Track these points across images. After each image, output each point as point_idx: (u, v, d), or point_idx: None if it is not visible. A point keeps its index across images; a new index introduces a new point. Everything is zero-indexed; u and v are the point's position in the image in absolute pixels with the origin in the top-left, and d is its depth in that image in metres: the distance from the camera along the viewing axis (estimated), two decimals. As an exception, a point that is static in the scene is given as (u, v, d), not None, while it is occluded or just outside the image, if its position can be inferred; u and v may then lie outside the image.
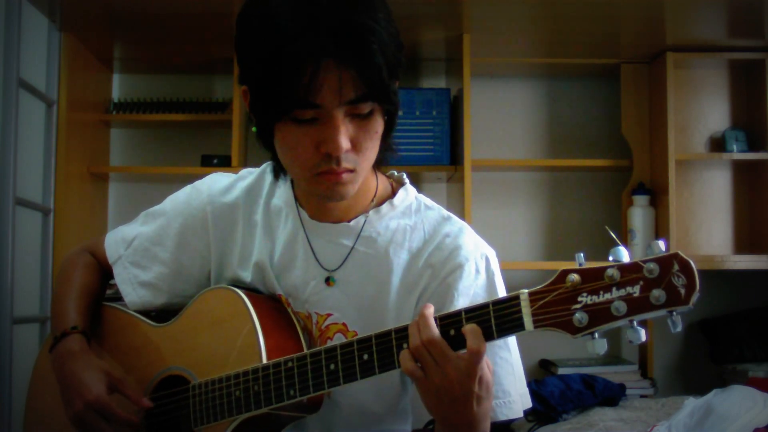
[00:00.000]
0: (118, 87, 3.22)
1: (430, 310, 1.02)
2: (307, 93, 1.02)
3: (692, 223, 3.02)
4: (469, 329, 0.99)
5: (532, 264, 3.14)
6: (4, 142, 2.34)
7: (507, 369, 1.20)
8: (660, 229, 2.93)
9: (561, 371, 2.80)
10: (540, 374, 2.94)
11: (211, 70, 3.14)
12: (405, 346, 1.04)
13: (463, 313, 1.01)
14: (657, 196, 2.97)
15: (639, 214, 2.96)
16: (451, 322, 1.02)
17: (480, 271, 1.21)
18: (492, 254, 1.24)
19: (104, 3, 2.55)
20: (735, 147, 2.95)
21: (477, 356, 0.99)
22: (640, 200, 2.97)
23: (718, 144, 3.02)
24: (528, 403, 1.23)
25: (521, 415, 1.20)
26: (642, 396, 2.78)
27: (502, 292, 1.22)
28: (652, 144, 3.03)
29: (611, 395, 2.63)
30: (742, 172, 3.06)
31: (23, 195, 2.49)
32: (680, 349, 3.12)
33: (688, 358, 3.10)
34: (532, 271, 3.13)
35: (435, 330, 1.00)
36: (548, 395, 2.51)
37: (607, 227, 1.05)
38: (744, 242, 3.03)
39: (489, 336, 1.00)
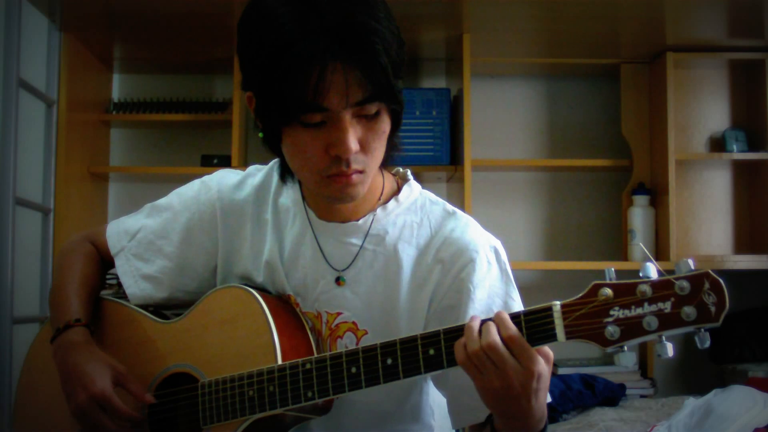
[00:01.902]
0: (118, 87, 3.22)
1: (505, 314, 1.01)
2: (315, 97, 1.02)
3: (692, 223, 3.02)
4: (508, 337, 1.00)
5: (532, 264, 3.14)
6: (4, 142, 2.34)
7: None
8: (660, 229, 2.93)
9: (561, 371, 2.80)
10: (540, 374, 2.94)
11: (211, 70, 3.14)
12: (431, 352, 1.05)
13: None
14: (657, 196, 2.96)
15: (639, 214, 2.95)
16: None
17: (492, 263, 1.21)
18: (499, 245, 1.24)
19: (104, 3, 2.55)
20: (735, 147, 2.95)
21: (528, 355, 0.99)
22: (640, 200, 2.97)
23: (718, 144, 3.02)
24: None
25: (550, 399, 1.21)
26: (642, 396, 2.78)
27: (514, 282, 1.23)
28: (652, 144, 3.03)
29: (611, 395, 2.63)
30: (742, 172, 3.06)
31: (23, 195, 2.49)
32: (680, 349, 3.08)
33: (688, 358, 3.10)
34: (532, 271, 3.13)
35: (496, 336, 1.00)
36: (548, 395, 2.51)
37: (641, 244, 1.07)
38: (744, 242, 3.03)
39: None
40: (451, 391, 1.21)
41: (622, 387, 2.70)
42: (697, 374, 3.07)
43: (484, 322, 1.02)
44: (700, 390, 2.46)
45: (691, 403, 2.27)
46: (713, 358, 2.97)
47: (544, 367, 1.01)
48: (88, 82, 2.95)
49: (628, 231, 2.97)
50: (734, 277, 2.91)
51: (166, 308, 1.36)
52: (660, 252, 2.89)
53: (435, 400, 1.31)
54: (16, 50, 2.38)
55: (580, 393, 2.57)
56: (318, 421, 1.22)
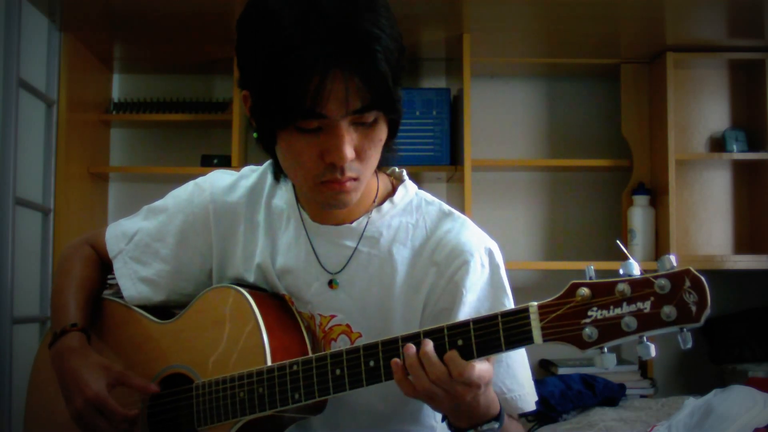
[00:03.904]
0: (118, 87, 3.22)
1: (430, 346, 1.02)
2: (314, 104, 1.01)
3: (692, 223, 3.02)
4: (448, 358, 1.01)
5: (531, 264, 3.14)
6: (4, 142, 2.34)
7: (519, 361, 1.21)
8: (660, 229, 2.93)
9: (561, 371, 2.79)
10: (540, 374, 2.94)
11: (211, 70, 3.14)
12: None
13: (471, 324, 1.01)
14: (657, 196, 2.96)
15: (639, 214, 2.96)
16: (459, 332, 1.02)
17: (485, 266, 1.20)
18: (495, 247, 1.23)
19: (104, 3, 2.55)
20: (735, 147, 2.95)
21: (470, 375, 1.01)
22: (640, 200, 2.97)
23: (718, 144, 3.02)
24: (535, 395, 1.23)
25: (534, 407, 1.21)
26: (642, 396, 2.78)
27: (506, 286, 1.22)
28: (652, 144, 3.03)
29: (611, 395, 2.62)
30: (742, 172, 3.06)
31: (23, 195, 2.49)
32: (680, 349, 3.10)
33: (688, 358, 3.10)
34: (532, 271, 3.13)
35: (441, 367, 1.01)
36: (548, 395, 2.51)
37: (618, 242, 1.04)
38: (744, 242, 3.03)
39: (497, 348, 1.00)
40: None
41: (622, 387, 2.69)
42: (697, 374, 3.06)
43: (418, 349, 1.02)
44: (700, 390, 2.46)
45: (691, 403, 2.27)
46: (713, 358, 2.97)
47: (484, 373, 1.01)
48: (88, 82, 2.95)
49: (628, 231, 2.97)
50: (734, 277, 2.98)
51: (164, 309, 1.36)
52: (660, 252, 2.89)
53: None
54: (16, 50, 2.38)
55: (580, 393, 2.57)
56: (318, 419, 1.22)
